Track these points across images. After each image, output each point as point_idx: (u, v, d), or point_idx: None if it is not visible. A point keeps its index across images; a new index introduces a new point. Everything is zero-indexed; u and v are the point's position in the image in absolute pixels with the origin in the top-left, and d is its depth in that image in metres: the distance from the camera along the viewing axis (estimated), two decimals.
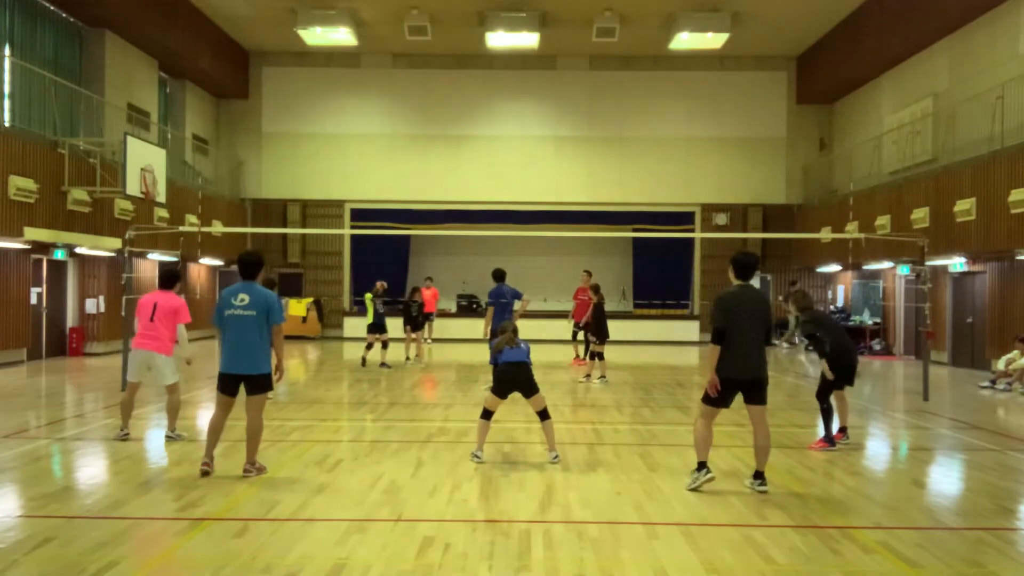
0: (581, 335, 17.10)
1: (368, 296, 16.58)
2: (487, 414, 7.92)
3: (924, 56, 19.97)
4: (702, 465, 6.89)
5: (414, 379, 14.99)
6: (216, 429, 7.29)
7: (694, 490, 6.83)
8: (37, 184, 14.76)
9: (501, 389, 7.86)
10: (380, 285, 16.69)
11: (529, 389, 7.81)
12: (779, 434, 9.76)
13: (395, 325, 17.81)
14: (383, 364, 16.29)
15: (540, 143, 25.49)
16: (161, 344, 8.69)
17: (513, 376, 7.80)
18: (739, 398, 6.93)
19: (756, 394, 6.85)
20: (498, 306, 12.85)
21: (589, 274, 17.19)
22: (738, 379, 6.77)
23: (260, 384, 7.13)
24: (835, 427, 8.98)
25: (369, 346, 16.56)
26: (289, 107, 25.54)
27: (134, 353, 8.78)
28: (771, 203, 25.52)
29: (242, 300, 7.08)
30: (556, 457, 7.87)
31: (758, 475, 6.91)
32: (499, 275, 13.24)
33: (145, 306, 8.75)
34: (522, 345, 7.95)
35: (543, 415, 7.94)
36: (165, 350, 8.72)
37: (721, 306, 6.77)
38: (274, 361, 7.25)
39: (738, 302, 6.76)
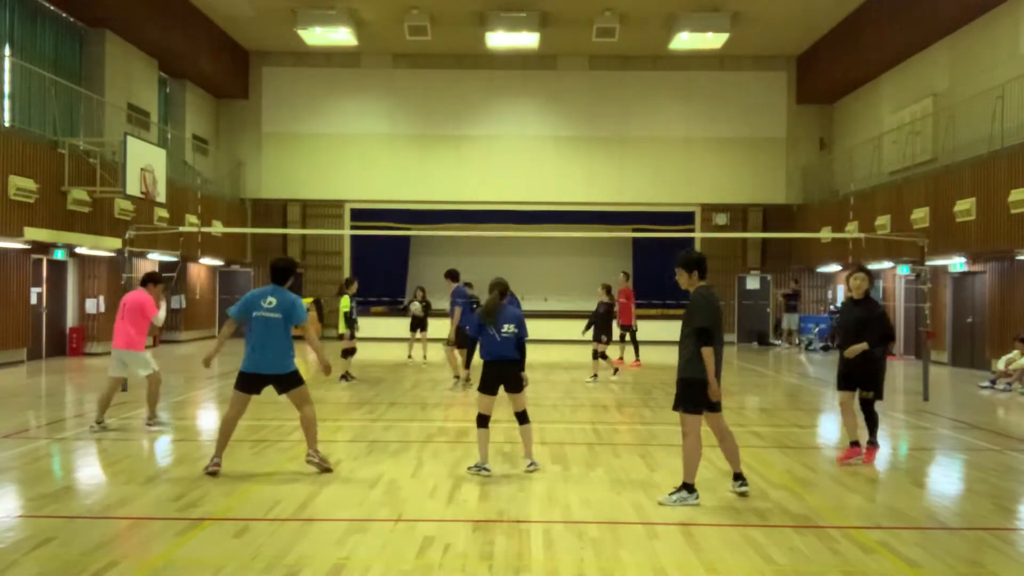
0: (628, 336, 17.53)
1: (346, 299, 14.42)
2: (483, 420, 7.38)
3: (924, 56, 19.96)
4: (692, 487, 6.46)
5: (414, 379, 14.98)
6: (228, 428, 7.39)
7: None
8: (37, 184, 14.75)
9: (487, 385, 7.38)
10: (355, 285, 14.94)
11: (516, 385, 7.40)
12: (779, 434, 9.78)
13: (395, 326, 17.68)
14: (349, 376, 14.25)
15: (540, 143, 25.48)
16: (129, 340, 9.21)
17: (498, 372, 7.36)
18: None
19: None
20: (467, 307, 13.10)
21: (627, 276, 17.19)
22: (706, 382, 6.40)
23: (290, 381, 7.36)
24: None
25: (350, 352, 14.51)
26: (289, 107, 25.53)
27: (112, 352, 9.39)
28: (771, 203, 25.51)
29: (270, 303, 7.32)
30: (532, 465, 7.45)
31: (737, 476, 6.73)
32: (456, 275, 13.58)
33: (119, 306, 9.41)
34: (512, 310, 7.43)
35: (522, 418, 7.50)
36: (134, 346, 9.23)
37: (711, 304, 6.47)
38: (314, 357, 7.59)
39: (716, 300, 6.57)
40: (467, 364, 13.42)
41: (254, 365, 7.27)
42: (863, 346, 7.87)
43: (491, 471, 7.34)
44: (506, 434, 9.21)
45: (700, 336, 6.34)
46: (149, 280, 9.62)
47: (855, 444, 8.05)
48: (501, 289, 7.55)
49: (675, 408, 6.58)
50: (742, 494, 6.64)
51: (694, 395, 6.42)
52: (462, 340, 13.36)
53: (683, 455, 6.50)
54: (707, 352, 6.32)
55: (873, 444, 8.08)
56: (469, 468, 7.41)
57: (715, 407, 6.50)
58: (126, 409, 10.92)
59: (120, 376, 9.46)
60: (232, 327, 7.47)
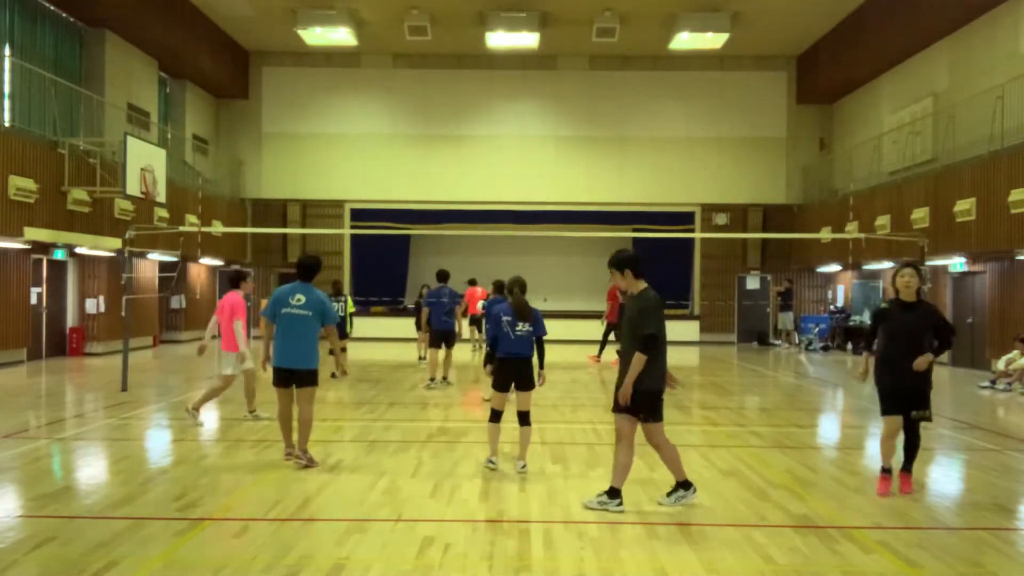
0: (613, 335, 17.57)
1: (350, 300, 15.31)
2: (495, 415, 7.55)
3: (924, 56, 19.96)
4: (688, 483, 6.42)
5: (414, 379, 14.97)
6: (285, 419, 7.76)
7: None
8: (37, 184, 14.75)
9: (501, 383, 7.52)
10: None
11: (528, 382, 7.52)
12: (779, 434, 9.78)
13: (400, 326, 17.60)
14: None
15: (540, 143, 25.48)
16: (224, 341, 9.79)
17: (511, 369, 7.49)
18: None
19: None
20: (435, 307, 13.50)
21: None
22: (662, 390, 6.28)
23: (308, 378, 7.60)
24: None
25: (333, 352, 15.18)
26: (289, 107, 25.53)
27: (224, 356, 9.89)
28: (771, 203, 25.50)
29: (298, 300, 7.55)
30: (524, 467, 7.47)
31: (682, 482, 6.47)
32: (443, 276, 13.86)
33: (219, 309, 9.90)
34: (528, 326, 7.48)
35: (524, 419, 7.52)
36: (226, 347, 9.77)
37: (662, 308, 6.19)
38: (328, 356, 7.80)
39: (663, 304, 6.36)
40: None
41: (283, 359, 7.54)
42: (929, 357, 6.73)
43: (496, 463, 7.51)
44: (508, 434, 9.21)
45: (646, 342, 6.03)
46: (239, 278, 9.95)
47: (888, 472, 7.00)
48: (520, 286, 7.67)
49: (644, 421, 6.31)
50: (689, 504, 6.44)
51: (654, 404, 6.24)
52: (433, 338, 13.69)
53: (664, 462, 6.48)
54: (639, 360, 6.05)
55: (908, 471, 7.08)
56: (485, 465, 7.54)
57: (651, 417, 6.27)
58: (126, 409, 10.94)
59: (230, 374, 9.81)
60: (271, 328, 7.63)
